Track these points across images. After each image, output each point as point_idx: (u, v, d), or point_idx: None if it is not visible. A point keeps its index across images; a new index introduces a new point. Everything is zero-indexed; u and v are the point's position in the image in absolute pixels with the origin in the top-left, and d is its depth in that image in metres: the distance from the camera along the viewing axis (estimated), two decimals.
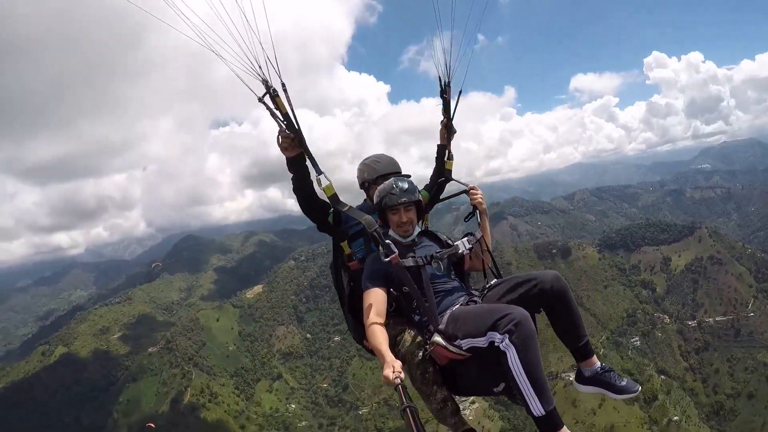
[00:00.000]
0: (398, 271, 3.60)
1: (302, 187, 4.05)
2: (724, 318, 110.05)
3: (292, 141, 3.85)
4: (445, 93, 4.65)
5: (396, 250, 3.60)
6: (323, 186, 3.98)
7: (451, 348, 3.26)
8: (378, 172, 4.46)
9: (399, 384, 2.91)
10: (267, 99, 3.78)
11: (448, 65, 4.53)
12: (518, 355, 2.91)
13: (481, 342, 3.10)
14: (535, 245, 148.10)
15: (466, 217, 4.46)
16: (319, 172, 3.96)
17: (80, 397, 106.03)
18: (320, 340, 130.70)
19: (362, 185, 4.59)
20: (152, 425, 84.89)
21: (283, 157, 3.95)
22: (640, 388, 3.57)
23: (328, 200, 4.09)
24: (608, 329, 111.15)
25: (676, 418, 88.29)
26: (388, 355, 3.16)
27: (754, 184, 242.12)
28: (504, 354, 2.95)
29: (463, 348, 3.22)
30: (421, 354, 3.58)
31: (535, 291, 3.43)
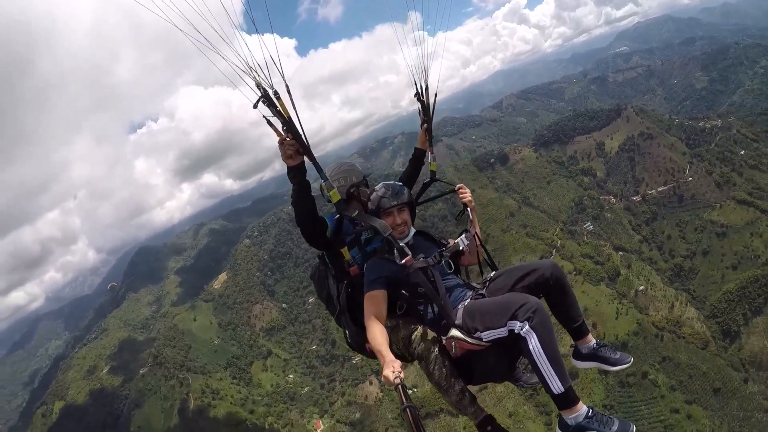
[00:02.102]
0: (413, 272, 3.67)
1: (304, 199, 3.74)
2: (666, 187, 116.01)
3: (297, 148, 3.55)
4: (422, 96, 4.74)
5: (410, 252, 3.71)
6: (330, 192, 3.84)
7: (470, 340, 3.41)
8: (362, 173, 4.54)
9: (399, 384, 2.94)
10: (266, 104, 3.47)
11: (424, 69, 4.61)
12: (538, 339, 3.10)
13: (501, 332, 3.26)
14: (473, 159, 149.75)
15: (457, 216, 4.58)
16: (324, 178, 3.81)
17: None
18: (296, 307, 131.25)
19: (349, 190, 4.44)
20: None
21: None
22: (632, 359, 3.83)
23: (335, 206, 3.94)
24: (560, 221, 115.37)
25: (642, 287, 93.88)
26: (389, 355, 3.23)
27: (673, 58, 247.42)
28: (524, 339, 3.13)
29: (484, 339, 3.36)
30: (437, 350, 3.69)
31: (537, 280, 3.65)
